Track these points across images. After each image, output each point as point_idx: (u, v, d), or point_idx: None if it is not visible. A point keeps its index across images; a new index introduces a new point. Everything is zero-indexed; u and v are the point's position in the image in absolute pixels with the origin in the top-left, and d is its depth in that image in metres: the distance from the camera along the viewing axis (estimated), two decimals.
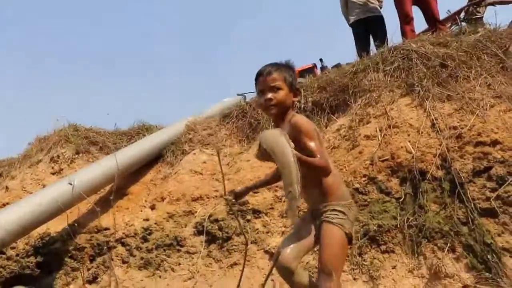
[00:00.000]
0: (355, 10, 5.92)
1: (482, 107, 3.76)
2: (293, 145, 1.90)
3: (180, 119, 5.68)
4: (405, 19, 5.50)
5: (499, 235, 3.00)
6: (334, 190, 2.21)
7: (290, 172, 1.82)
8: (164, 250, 3.86)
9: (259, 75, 2.27)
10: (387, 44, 5.53)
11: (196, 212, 4.12)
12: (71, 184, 3.60)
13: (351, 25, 6.03)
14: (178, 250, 3.84)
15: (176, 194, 4.32)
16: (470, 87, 4.04)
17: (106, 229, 4.19)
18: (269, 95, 2.21)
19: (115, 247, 4.06)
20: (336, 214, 2.13)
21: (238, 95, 7.07)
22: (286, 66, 2.32)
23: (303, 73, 7.69)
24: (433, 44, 4.53)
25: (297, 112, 5.11)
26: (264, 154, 1.98)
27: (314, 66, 7.90)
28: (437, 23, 5.44)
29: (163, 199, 4.35)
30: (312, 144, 2.06)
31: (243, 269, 2.67)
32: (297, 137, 2.07)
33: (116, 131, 5.83)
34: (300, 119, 2.19)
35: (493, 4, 7.02)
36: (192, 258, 3.75)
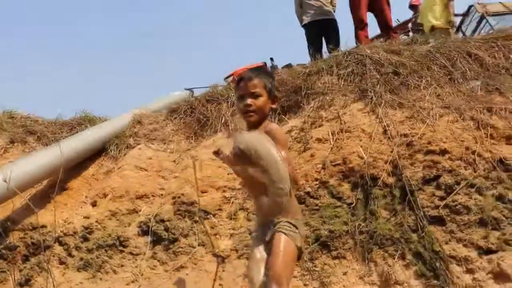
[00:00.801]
0: (309, 12, 5.93)
1: (432, 116, 3.85)
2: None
3: (124, 112, 5.41)
4: (360, 25, 5.58)
5: (446, 243, 3.05)
6: (290, 203, 2.15)
7: (278, 169, 1.83)
8: (106, 251, 3.62)
9: (240, 80, 2.26)
10: (340, 48, 5.59)
11: (140, 210, 3.91)
12: (5, 182, 3.28)
13: (304, 26, 6.03)
14: (121, 251, 3.62)
15: (120, 191, 4.09)
16: (421, 96, 4.13)
17: (43, 226, 3.88)
18: (249, 101, 2.20)
19: (51, 247, 3.77)
20: (289, 227, 2.07)
21: (185, 89, 6.89)
22: (266, 73, 2.38)
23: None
24: (387, 51, 4.60)
25: None
26: (240, 156, 1.92)
27: (264, 65, 7.84)
28: (390, 31, 5.54)
29: (105, 195, 4.10)
30: (284, 154, 2.04)
31: None
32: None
33: (57, 121, 5.46)
34: (276, 127, 2.22)
35: None
36: (136, 259, 3.55)
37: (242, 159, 1.93)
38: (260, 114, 2.22)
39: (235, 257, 3.39)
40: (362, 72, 4.47)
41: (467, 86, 4.21)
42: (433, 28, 6.18)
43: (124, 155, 4.60)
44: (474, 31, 7.62)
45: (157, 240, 3.63)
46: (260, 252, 2.10)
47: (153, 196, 4.03)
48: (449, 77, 4.32)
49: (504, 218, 3.08)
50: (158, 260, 3.50)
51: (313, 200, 3.59)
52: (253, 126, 2.25)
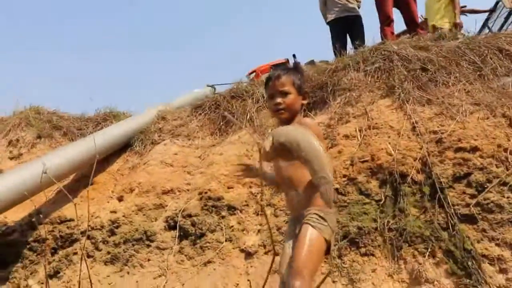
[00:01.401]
0: (333, 9, 5.90)
1: (462, 113, 3.79)
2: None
3: (148, 107, 5.46)
4: (386, 21, 5.52)
5: (478, 242, 3.00)
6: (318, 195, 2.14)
7: (320, 159, 1.84)
8: (133, 245, 3.66)
9: (268, 79, 2.28)
10: (364, 44, 5.54)
11: (167, 205, 3.94)
12: (45, 173, 3.33)
13: (329, 23, 5.99)
14: (148, 245, 3.65)
15: (146, 186, 4.12)
16: (450, 93, 4.07)
17: (71, 220, 3.95)
18: (278, 100, 2.20)
19: (79, 240, 3.83)
20: (317, 219, 2.04)
21: (208, 86, 6.92)
22: (295, 70, 2.34)
23: (276, 67, 7.62)
24: (414, 48, 4.54)
25: None
26: (280, 150, 1.91)
27: (287, 61, 7.83)
28: (416, 27, 5.47)
29: (131, 190, 4.15)
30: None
31: None
32: None
33: (82, 117, 5.53)
34: (310, 121, 2.25)
35: (464, 13, 7.19)
36: (163, 254, 3.58)
37: (282, 152, 1.92)
38: (291, 111, 2.22)
39: (262, 252, 3.39)
40: (389, 68, 4.42)
41: (498, 83, 4.13)
42: (434, 28, 6.00)
43: (150, 150, 4.64)
44: (501, 27, 7.47)
45: (184, 235, 3.65)
46: (290, 247, 2.09)
47: (179, 191, 4.05)
48: (478, 73, 4.24)
49: None
50: (186, 255, 3.52)
51: (341, 196, 3.56)
52: (285, 123, 2.24)
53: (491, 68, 4.26)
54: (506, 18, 7.43)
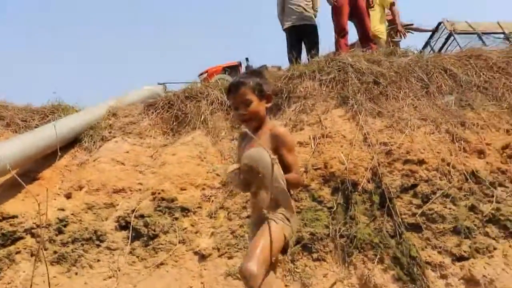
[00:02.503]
0: (291, 16, 6.01)
1: (410, 127, 4.00)
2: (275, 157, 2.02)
3: (99, 102, 5.30)
4: (341, 33, 5.70)
5: (422, 249, 3.19)
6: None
7: (272, 171, 1.98)
8: (82, 245, 3.53)
9: (228, 92, 2.31)
10: (318, 53, 5.71)
11: (118, 205, 3.84)
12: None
13: (285, 30, 6.10)
14: (98, 246, 3.54)
15: (96, 184, 4.00)
16: (399, 107, 4.28)
17: (14, 217, 3.75)
18: (241, 111, 2.23)
19: (23, 238, 3.65)
20: (282, 218, 2.12)
21: (159, 84, 6.83)
22: (253, 75, 2.36)
23: (227, 69, 7.65)
24: (368, 61, 4.74)
25: (227, 111, 5.09)
26: (247, 170, 2.07)
27: (239, 64, 7.88)
28: (369, 41, 5.69)
29: (80, 188, 4.00)
30: (291, 158, 2.16)
31: None
32: (278, 147, 2.14)
33: (27, 107, 5.26)
34: (283, 131, 2.24)
35: (410, 31, 7.58)
36: (113, 255, 3.49)
37: (249, 172, 2.06)
38: (257, 118, 2.24)
39: (216, 255, 3.41)
40: (344, 79, 4.58)
41: (442, 100, 4.40)
42: (374, 36, 6.24)
43: (100, 147, 4.50)
44: (442, 47, 7.94)
45: (136, 236, 3.58)
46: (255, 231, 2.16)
47: (131, 191, 3.97)
48: (425, 90, 4.50)
49: (475, 228, 3.26)
50: (137, 256, 3.46)
51: (294, 202, 3.64)
52: (255, 129, 2.28)
53: (436, 86, 4.53)
54: (447, 39, 7.91)
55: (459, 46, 7.14)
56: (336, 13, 5.74)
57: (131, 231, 3.57)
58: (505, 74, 4.67)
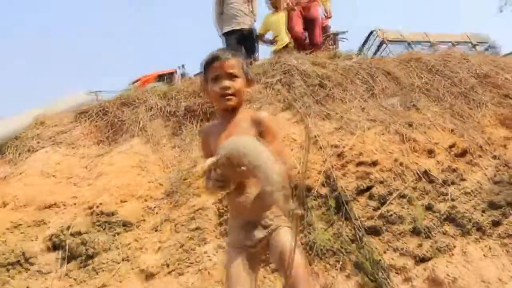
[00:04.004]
0: (231, 21, 5.82)
1: (360, 128, 3.92)
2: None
3: (24, 110, 4.78)
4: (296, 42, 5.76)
5: (384, 252, 3.08)
6: None
7: (269, 172, 1.59)
8: (8, 270, 3.05)
9: (214, 59, 1.95)
10: (255, 58, 5.57)
11: (49, 222, 3.40)
12: None
13: (223, 34, 5.90)
14: (27, 270, 3.08)
15: (23, 199, 3.52)
16: (347, 109, 4.20)
17: None
18: (226, 83, 1.92)
19: None
20: (287, 220, 1.88)
21: (91, 92, 6.34)
22: (240, 56, 2.08)
23: (162, 77, 7.32)
24: (313, 64, 4.64)
25: (166, 117, 4.78)
26: (228, 164, 1.69)
27: (175, 71, 7.57)
28: (316, 49, 5.68)
29: (4, 204, 3.50)
30: (278, 147, 1.86)
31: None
32: (262, 135, 1.86)
33: None
34: (266, 116, 1.95)
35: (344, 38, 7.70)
36: (46, 279, 3.04)
37: (229, 165, 1.69)
38: (239, 98, 1.96)
39: (165, 272, 3.08)
40: (289, 82, 4.45)
41: (388, 102, 4.38)
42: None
43: (26, 158, 4.01)
44: (374, 54, 8.12)
45: (71, 256, 3.15)
46: (243, 262, 1.85)
47: (64, 205, 3.53)
48: (371, 92, 4.47)
49: (434, 227, 3.20)
50: (75, 279, 3.03)
51: None
52: (227, 112, 2.00)
53: (381, 88, 4.52)
54: (379, 46, 8.12)
55: (391, 53, 7.33)
56: (290, 23, 5.91)
57: (66, 251, 3.14)
58: (443, 76, 4.77)
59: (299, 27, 5.90)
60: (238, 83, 1.94)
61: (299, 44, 5.89)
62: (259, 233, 1.85)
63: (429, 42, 8.42)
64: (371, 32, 8.41)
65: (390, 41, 8.16)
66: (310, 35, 5.83)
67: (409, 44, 8.12)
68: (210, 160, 1.75)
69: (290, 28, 6.01)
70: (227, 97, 1.93)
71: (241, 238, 1.88)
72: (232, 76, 1.93)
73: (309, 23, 5.88)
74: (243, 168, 1.65)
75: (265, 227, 1.85)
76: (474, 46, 8.38)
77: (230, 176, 1.75)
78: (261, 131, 1.88)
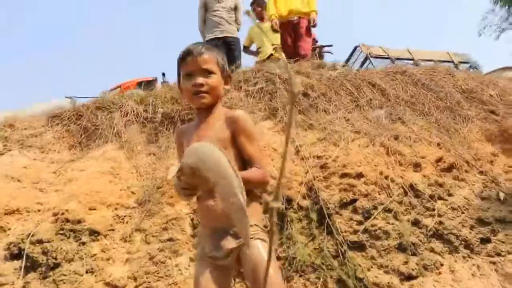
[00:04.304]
0: (213, 29, 5.70)
1: (344, 140, 3.77)
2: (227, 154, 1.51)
3: None
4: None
5: (368, 270, 2.89)
6: (255, 205, 1.79)
7: (229, 180, 1.42)
8: None
9: (186, 54, 1.80)
10: (237, 65, 5.42)
11: (10, 229, 3.14)
12: None
13: (207, 42, 5.75)
14: None
15: None
16: (330, 120, 4.06)
17: None
18: (200, 80, 1.77)
19: None
20: (262, 230, 1.70)
21: (67, 97, 6.11)
22: (216, 49, 1.90)
23: (142, 85, 7.11)
24: (296, 73, 4.50)
25: (143, 123, 4.58)
26: (191, 174, 1.51)
27: (155, 80, 7.37)
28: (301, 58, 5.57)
29: None
30: (252, 149, 1.72)
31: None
32: (235, 135, 1.72)
33: None
34: (242, 115, 1.79)
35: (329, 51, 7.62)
36: None
37: (193, 175, 1.51)
38: (214, 95, 1.81)
39: (132, 286, 2.84)
40: (272, 90, 4.29)
41: (373, 114, 4.26)
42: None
43: None
44: (359, 69, 8.08)
45: (31, 266, 2.89)
46: (213, 276, 1.66)
47: (27, 211, 3.28)
48: (355, 103, 4.34)
49: (421, 243, 3.03)
50: None
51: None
52: (202, 111, 1.85)
53: (366, 100, 4.39)
54: (363, 62, 8.06)
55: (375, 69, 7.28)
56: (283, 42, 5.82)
57: (24, 260, 2.88)
58: (429, 90, 4.67)
59: (288, 39, 5.83)
60: (213, 80, 1.79)
61: (288, 55, 5.79)
62: (228, 243, 1.66)
63: (412, 59, 8.41)
64: (356, 48, 8.36)
65: (374, 56, 8.11)
66: (298, 47, 5.71)
67: (392, 61, 8.08)
68: (174, 168, 1.59)
69: (282, 43, 5.95)
70: (199, 95, 1.78)
71: (210, 248, 1.70)
72: (206, 72, 1.79)
73: (298, 35, 5.78)
74: (206, 179, 1.47)
75: (236, 236, 1.66)
76: (456, 65, 8.39)
77: (195, 184, 1.56)
78: (235, 131, 1.73)
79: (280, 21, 5.70)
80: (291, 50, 5.73)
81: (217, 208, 1.67)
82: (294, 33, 5.74)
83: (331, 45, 7.46)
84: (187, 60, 1.80)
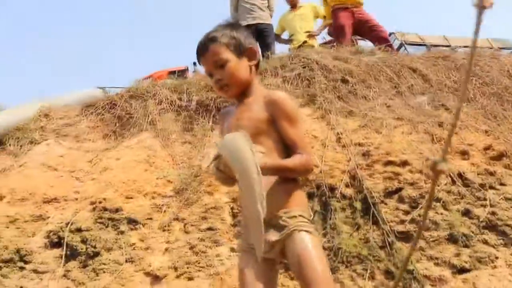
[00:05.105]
0: (245, 15, 5.59)
1: (386, 127, 3.63)
2: (258, 149, 1.45)
3: (29, 101, 4.54)
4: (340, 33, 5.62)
5: (417, 261, 2.75)
6: (300, 193, 1.67)
7: (251, 188, 1.35)
8: (0, 268, 2.77)
9: (197, 55, 1.74)
10: (273, 52, 5.31)
11: (49, 217, 3.12)
12: None
13: None
14: (22, 268, 2.77)
15: (22, 192, 3.24)
16: (371, 106, 3.91)
17: None
18: (217, 76, 1.69)
19: None
20: (307, 222, 1.58)
21: (98, 88, 6.08)
22: (224, 27, 1.76)
23: (175, 74, 7.07)
24: (334, 58, 4.36)
25: (177, 111, 4.51)
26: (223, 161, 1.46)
27: (187, 69, 7.32)
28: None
29: (1, 197, 3.23)
30: (294, 133, 1.60)
31: None
32: (276, 120, 1.60)
33: None
34: (283, 97, 1.66)
35: None
36: (41, 279, 2.74)
37: (227, 166, 1.46)
38: (237, 83, 1.69)
39: (173, 276, 2.77)
40: (310, 76, 4.16)
41: (415, 100, 4.09)
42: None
43: (28, 151, 3.75)
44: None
45: (71, 255, 2.86)
46: (259, 268, 1.56)
47: (65, 200, 3.25)
48: (396, 90, 4.18)
49: (473, 235, 2.87)
50: (73, 280, 2.73)
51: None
52: (237, 99, 1.75)
53: (407, 86, 4.22)
54: (398, 49, 7.82)
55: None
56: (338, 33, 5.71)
57: (64, 249, 2.85)
58: (473, 76, 4.45)
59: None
60: (228, 69, 1.67)
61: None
62: (272, 236, 1.55)
63: (449, 46, 8.12)
64: (390, 34, 8.11)
65: (410, 43, 7.88)
66: (376, 33, 5.66)
67: (428, 47, 7.82)
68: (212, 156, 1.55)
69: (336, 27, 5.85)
70: (224, 89, 1.71)
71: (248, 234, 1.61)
72: (219, 65, 1.68)
73: (363, 24, 5.74)
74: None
75: (279, 228, 1.56)
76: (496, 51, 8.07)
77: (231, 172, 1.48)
78: (275, 115, 1.61)
79: (340, 5, 5.66)
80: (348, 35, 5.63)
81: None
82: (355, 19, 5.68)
83: None
84: (200, 60, 1.75)
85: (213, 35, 1.71)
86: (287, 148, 1.61)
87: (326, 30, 6.68)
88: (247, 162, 1.36)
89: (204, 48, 1.70)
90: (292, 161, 1.56)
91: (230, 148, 1.43)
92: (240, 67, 1.70)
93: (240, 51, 1.71)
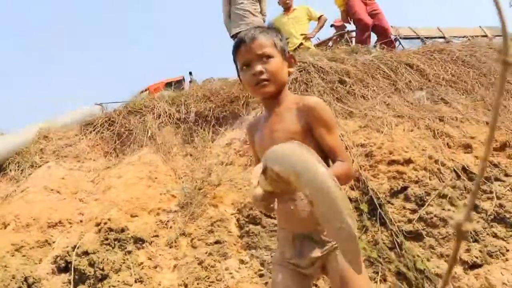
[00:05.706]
0: (238, 22, 5.56)
1: (387, 125, 3.60)
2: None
3: (26, 125, 4.53)
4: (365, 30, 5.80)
5: (428, 260, 2.73)
6: None
7: (333, 200, 1.10)
8: None
9: (239, 43, 1.60)
10: None
11: (54, 242, 3.11)
12: None
13: (233, 36, 5.63)
14: None
15: (25, 219, 3.23)
16: (370, 105, 3.89)
17: None
18: (259, 67, 1.55)
19: None
20: None
21: (96, 104, 6.09)
22: (272, 29, 1.68)
23: (170, 85, 7.07)
24: (330, 60, 4.34)
25: (176, 124, 4.50)
26: (275, 180, 1.21)
27: (183, 79, 7.32)
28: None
29: (5, 225, 3.21)
30: (332, 140, 1.51)
31: None
32: (314, 127, 1.51)
33: None
34: (320, 103, 1.56)
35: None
36: None
37: (279, 183, 1.22)
38: (277, 81, 1.59)
39: None
40: (307, 80, 4.14)
41: (413, 96, 4.07)
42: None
43: (29, 175, 3.75)
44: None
45: (80, 279, 2.84)
46: (292, 282, 1.53)
47: (70, 223, 3.24)
48: (394, 87, 4.16)
49: (482, 229, 2.85)
50: None
51: (270, 220, 3.09)
52: (268, 101, 1.65)
53: (405, 82, 4.20)
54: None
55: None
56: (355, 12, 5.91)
57: (73, 274, 2.83)
58: (470, 67, 4.44)
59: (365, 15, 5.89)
60: (273, 64, 1.57)
61: (363, 32, 5.81)
62: (313, 252, 1.51)
63: (444, 37, 8.10)
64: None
65: (403, 37, 7.84)
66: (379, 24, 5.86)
67: (422, 40, 7.79)
68: (255, 173, 1.27)
69: (353, 14, 6.00)
70: (261, 84, 1.57)
71: (292, 254, 1.56)
72: (264, 58, 1.57)
73: (372, 15, 5.93)
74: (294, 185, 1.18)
75: (321, 244, 1.52)
76: (491, 40, 8.04)
77: (278, 188, 1.27)
78: (312, 122, 1.52)
79: None
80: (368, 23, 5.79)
81: (299, 213, 1.52)
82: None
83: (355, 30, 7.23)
84: (241, 49, 1.61)
85: (265, 29, 1.66)
86: (324, 154, 1.51)
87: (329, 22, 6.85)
88: (322, 176, 1.13)
89: (252, 37, 1.59)
90: (338, 170, 1.42)
91: (292, 162, 1.18)
92: (283, 67, 1.63)
93: (285, 55, 1.65)
